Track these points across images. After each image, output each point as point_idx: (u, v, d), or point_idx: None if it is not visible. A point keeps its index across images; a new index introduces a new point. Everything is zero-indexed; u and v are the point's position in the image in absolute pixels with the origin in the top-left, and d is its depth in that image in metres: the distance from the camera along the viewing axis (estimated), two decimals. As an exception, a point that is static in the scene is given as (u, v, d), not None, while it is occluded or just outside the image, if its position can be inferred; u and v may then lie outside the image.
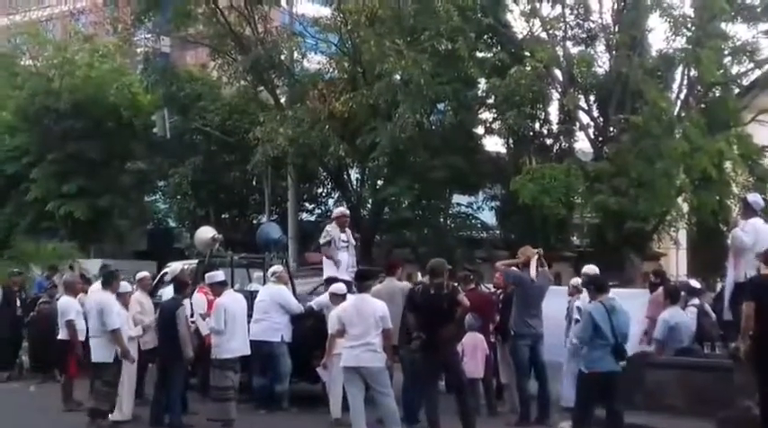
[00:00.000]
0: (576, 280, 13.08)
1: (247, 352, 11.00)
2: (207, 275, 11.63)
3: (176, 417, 10.76)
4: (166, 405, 10.77)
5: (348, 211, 14.86)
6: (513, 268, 11.35)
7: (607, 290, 9.31)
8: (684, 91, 21.60)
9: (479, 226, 25.77)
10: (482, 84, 22.32)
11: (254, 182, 26.24)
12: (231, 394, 10.64)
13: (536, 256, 11.18)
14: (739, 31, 21.70)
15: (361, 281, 9.76)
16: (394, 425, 9.27)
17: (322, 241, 13.04)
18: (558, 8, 21.89)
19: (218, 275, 11.47)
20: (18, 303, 16.16)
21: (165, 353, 10.88)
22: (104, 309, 10.62)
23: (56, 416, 11.97)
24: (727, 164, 20.58)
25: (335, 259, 12.73)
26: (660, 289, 12.86)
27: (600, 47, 22.54)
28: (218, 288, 11.20)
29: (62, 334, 12.41)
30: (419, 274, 13.63)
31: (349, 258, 13.00)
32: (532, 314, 11.02)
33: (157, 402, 10.84)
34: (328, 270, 12.81)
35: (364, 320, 9.24)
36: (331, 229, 13.08)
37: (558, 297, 12.16)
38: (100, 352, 10.67)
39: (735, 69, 21.80)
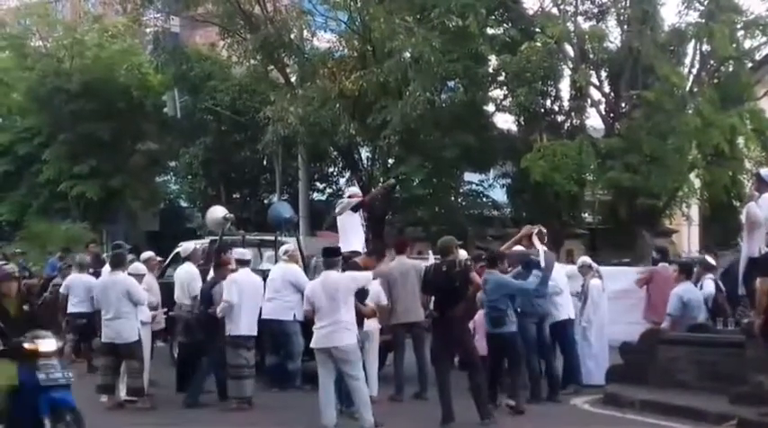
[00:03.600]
0: (585, 259, 13.14)
1: (254, 332, 11.01)
2: (235, 251, 11.73)
3: (194, 397, 10.98)
4: (219, 381, 11.05)
5: (360, 192, 14.85)
6: (518, 247, 11.36)
7: (493, 266, 10.42)
8: (697, 66, 21.45)
9: (490, 204, 25.75)
10: (493, 60, 22.19)
11: (264, 162, 26.24)
12: (245, 371, 10.71)
13: (536, 230, 11.22)
14: (752, 5, 21.59)
15: (327, 259, 9.56)
16: (364, 408, 9.09)
17: (338, 209, 12.97)
18: (570, -18, 21.76)
19: (245, 253, 11.60)
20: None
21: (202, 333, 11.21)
22: (130, 290, 10.76)
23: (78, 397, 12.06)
24: (740, 140, 20.49)
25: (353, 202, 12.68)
26: (659, 265, 12.88)
27: (611, 21, 22.44)
28: (238, 264, 11.28)
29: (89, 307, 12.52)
30: (430, 252, 13.59)
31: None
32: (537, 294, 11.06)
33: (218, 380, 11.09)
34: (344, 245, 12.77)
35: (330, 297, 9.09)
36: (346, 199, 13.12)
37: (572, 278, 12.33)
38: (130, 332, 10.80)
39: (747, 43, 21.63)
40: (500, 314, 10.22)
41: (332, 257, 9.54)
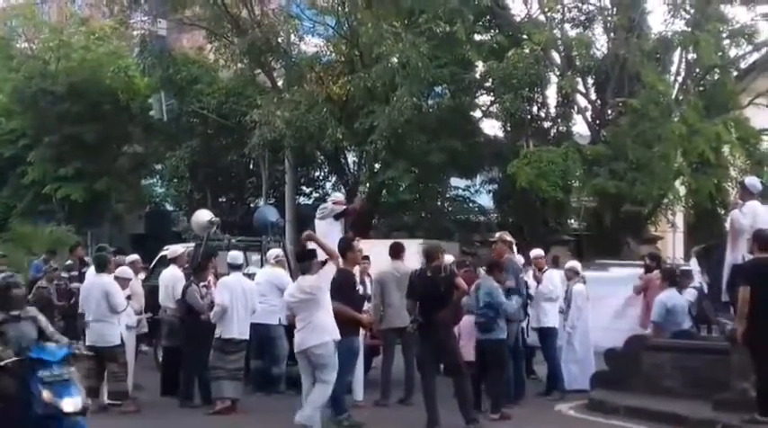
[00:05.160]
0: (572, 264, 13.18)
1: (245, 336, 10.99)
2: (229, 254, 11.79)
3: (187, 397, 11.14)
4: (202, 384, 11.08)
5: (344, 199, 14.76)
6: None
7: (491, 273, 10.54)
8: (682, 74, 21.56)
9: (477, 209, 25.78)
10: (480, 66, 22.23)
11: (251, 166, 26.21)
12: (221, 373, 10.72)
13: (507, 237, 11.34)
14: (738, 14, 21.65)
15: (301, 263, 9.55)
16: (311, 407, 9.00)
17: (319, 214, 12.80)
18: (556, -10, 21.81)
19: (238, 258, 11.65)
20: None
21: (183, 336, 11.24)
22: (109, 293, 10.67)
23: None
24: (725, 148, 20.57)
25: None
26: (654, 273, 12.93)
27: (598, 29, 22.49)
28: (230, 269, 11.35)
29: None
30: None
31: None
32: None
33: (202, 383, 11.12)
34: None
35: (306, 301, 9.14)
36: (330, 205, 12.95)
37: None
38: (112, 336, 10.71)
39: (733, 52, 21.74)
40: (490, 320, 10.28)
41: (305, 261, 9.51)
